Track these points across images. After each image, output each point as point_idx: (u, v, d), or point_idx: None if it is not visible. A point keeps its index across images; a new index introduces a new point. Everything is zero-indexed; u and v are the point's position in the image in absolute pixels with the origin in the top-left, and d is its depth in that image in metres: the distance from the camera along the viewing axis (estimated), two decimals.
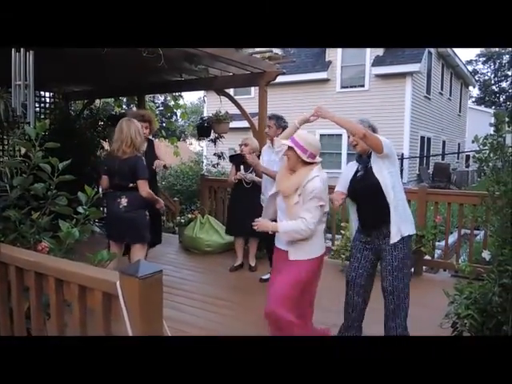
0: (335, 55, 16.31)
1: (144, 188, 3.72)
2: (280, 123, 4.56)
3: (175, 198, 8.43)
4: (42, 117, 7.43)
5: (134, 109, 7.91)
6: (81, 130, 7.27)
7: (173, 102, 8.06)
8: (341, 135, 16.24)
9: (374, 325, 3.22)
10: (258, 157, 4.85)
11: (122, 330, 1.48)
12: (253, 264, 5.24)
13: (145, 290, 1.44)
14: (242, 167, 5.17)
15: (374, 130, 3.22)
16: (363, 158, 3.17)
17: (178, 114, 8.87)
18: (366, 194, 3.05)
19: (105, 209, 4.19)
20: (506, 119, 3.06)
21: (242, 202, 5.10)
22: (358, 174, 3.16)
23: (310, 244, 2.93)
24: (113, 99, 8.61)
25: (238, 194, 5.23)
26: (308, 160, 2.90)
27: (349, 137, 3.23)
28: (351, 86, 16.42)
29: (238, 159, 5.29)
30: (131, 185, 3.73)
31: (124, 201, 3.71)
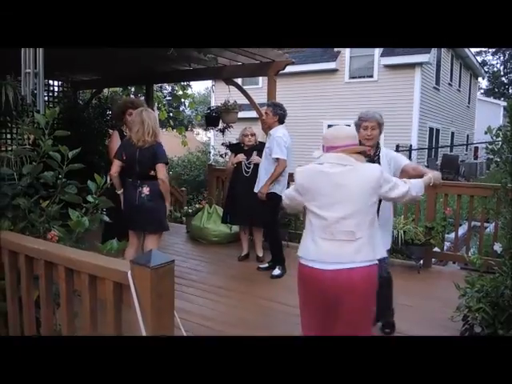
0: None
1: (162, 171, 3.77)
2: (276, 110, 4.67)
3: (182, 188, 8.43)
4: (51, 105, 7.42)
5: (142, 98, 7.88)
6: (89, 119, 7.26)
7: (181, 92, 8.02)
8: (349, 126, 16.10)
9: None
10: (257, 146, 5.13)
11: (134, 320, 1.47)
12: (260, 254, 5.23)
13: (157, 281, 1.43)
14: (242, 154, 5.21)
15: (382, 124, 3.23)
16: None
17: (186, 104, 8.83)
18: None
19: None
20: None
21: (242, 192, 5.11)
22: None
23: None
24: (121, 88, 8.58)
25: (238, 183, 5.22)
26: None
27: (365, 129, 3.16)
28: (360, 77, 16.26)
29: (237, 148, 5.31)
30: (152, 172, 3.75)
31: (146, 190, 3.73)
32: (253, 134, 5.16)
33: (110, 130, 7.22)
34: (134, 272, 1.47)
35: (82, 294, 1.78)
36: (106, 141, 7.26)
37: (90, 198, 2.36)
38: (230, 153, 5.60)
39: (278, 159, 4.55)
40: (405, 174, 3.13)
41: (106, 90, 8.14)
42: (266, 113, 4.70)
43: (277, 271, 4.67)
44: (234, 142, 5.67)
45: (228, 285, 4.44)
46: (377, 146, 3.18)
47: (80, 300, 1.81)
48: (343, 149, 2.36)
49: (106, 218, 2.55)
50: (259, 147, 5.13)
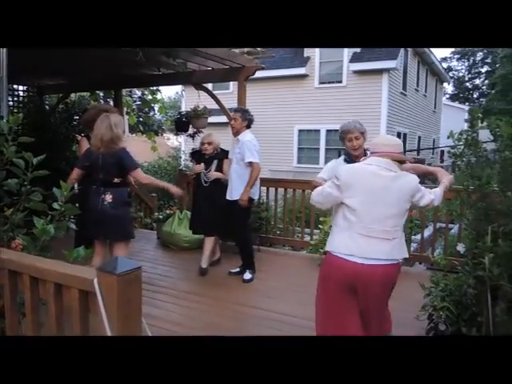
0: (314, 51, 16.34)
1: (140, 176, 3.76)
2: (245, 116, 4.73)
3: (153, 194, 8.34)
4: (15, 111, 7.25)
5: (111, 103, 7.79)
6: (55, 124, 7.13)
7: (150, 97, 7.97)
8: (319, 131, 16.31)
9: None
10: (218, 154, 5.06)
11: (100, 328, 1.46)
12: (204, 266, 4.89)
13: (123, 287, 1.42)
14: (202, 164, 5.06)
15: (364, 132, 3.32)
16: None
17: (156, 109, 8.77)
18: None
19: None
20: (480, 115, 3.14)
21: (201, 200, 5.07)
22: None
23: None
24: (89, 93, 8.46)
25: (198, 192, 5.18)
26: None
27: (350, 140, 3.29)
28: (329, 82, 16.48)
29: (198, 156, 5.20)
30: (116, 180, 3.68)
31: (109, 197, 3.63)
32: (210, 143, 5.02)
33: (78, 136, 7.11)
34: (101, 279, 1.46)
35: (48, 303, 1.75)
36: (74, 147, 7.14)
37: (55, 205, 2.32)
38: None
39: (251, 163, 4.57)
40: None
41: (73, 95, 8.00)
42: (234, 118, 4.71)
43: (248, 275, 4.68)
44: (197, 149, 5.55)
45: (198, 290, 4.42)
46: (365, 154, 3.24)
47: (46, 309, 1.79)
48: (383, 154, 2.60)
49: (73, 226, 2.51)
50: (220, 155, 5.06)
